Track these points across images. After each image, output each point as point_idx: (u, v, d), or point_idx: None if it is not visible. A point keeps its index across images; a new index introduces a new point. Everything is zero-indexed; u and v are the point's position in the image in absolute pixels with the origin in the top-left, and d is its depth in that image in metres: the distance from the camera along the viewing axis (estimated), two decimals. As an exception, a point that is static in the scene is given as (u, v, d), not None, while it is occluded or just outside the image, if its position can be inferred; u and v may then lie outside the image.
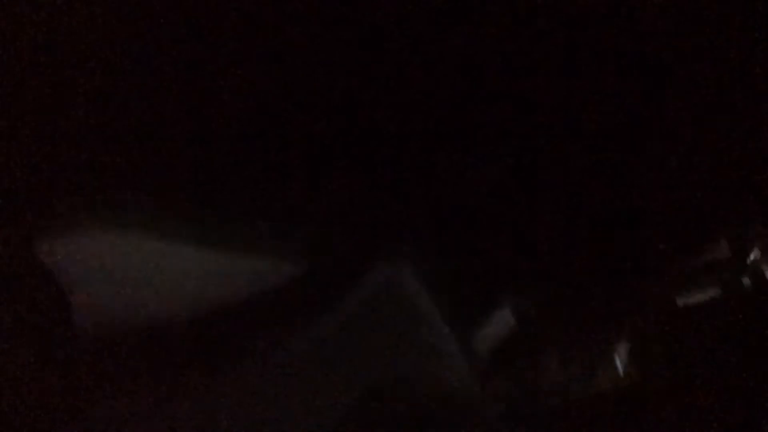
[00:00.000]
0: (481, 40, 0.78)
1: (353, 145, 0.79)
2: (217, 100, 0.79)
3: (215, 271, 0.77)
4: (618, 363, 0.74)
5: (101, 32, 0.80)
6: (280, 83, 0.79)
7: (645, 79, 0.79)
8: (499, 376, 0.77)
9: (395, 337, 0.76)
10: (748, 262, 0.75)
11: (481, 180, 0.79)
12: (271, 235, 0.78)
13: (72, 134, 0.81)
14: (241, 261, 0.77)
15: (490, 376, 0.76)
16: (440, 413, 0.76)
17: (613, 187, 0.80)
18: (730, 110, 0.78)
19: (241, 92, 0.79)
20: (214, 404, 0.75)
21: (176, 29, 0.79)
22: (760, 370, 0.73)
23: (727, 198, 0.78)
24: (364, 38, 0.78)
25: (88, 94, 0.81)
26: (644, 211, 0.79)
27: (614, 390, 0.74)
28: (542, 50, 0.80)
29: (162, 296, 0.77)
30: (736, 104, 0.78)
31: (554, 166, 0.79)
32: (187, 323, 0.76)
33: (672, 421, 0.73)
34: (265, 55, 0.79)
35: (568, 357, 0.75)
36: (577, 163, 0.79)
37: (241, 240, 0.78)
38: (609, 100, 0.79)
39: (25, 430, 0.77)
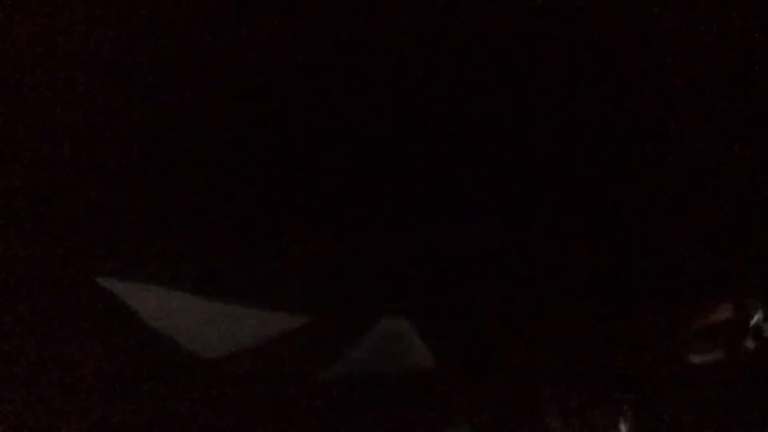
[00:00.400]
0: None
1: (353, 203, 0.78)
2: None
3: (219, 319, 0.77)
4: (622, 426, 0.75)
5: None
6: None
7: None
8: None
9: (395, 390, 0.77)
10: (751, 324, 0.75)
11: (480, 239, 0.78)
12: (275, 286, 0.78)
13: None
14: (246, 310, 0.77)
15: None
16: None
17: (615, 249, 0.78)
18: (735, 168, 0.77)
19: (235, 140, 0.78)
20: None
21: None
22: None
23: (731, 260, 0.77)
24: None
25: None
26: (647, 275, 0.78)
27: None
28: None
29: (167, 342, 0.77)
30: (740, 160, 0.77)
31: (551, 227, 0.78)
32: (190, 370, 0.77)
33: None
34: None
35: (571, 417, 0.76)
36: (572, 228, 0.78)
37: (246, 290, 0.78)
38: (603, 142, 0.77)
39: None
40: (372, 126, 0.76)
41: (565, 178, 0.77)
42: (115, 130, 0.77)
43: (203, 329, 0.76)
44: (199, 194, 0.76)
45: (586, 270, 0.77)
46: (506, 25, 0.77)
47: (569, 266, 0.77)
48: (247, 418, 0.76)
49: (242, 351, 0.76)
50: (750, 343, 0.74)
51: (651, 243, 0.77)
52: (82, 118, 0.78)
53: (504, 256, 0.77)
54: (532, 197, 0.77)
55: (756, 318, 0.74)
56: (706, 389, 0.75)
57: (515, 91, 0.77)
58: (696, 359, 0.75)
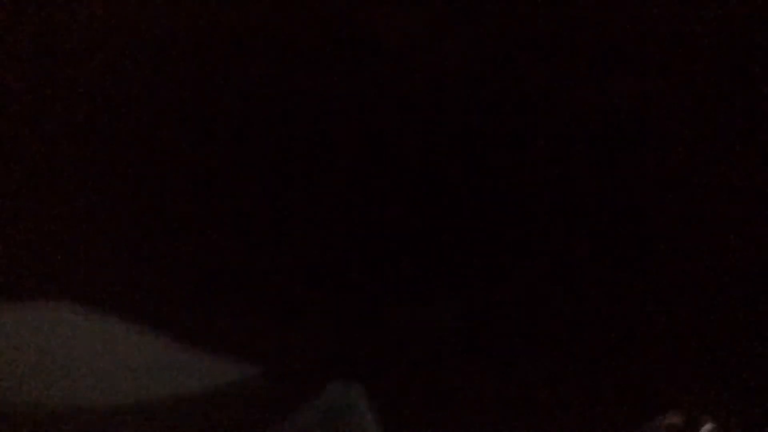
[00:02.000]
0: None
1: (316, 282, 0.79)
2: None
3: (171, 368, 0.77)
4: None
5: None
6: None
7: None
8: None
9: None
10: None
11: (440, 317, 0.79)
12: (231, 340, 0.79)
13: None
14: (200, 363, 0.78)
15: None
16: None
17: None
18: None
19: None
20: None
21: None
22: None
23: (682, 369, 0.78)
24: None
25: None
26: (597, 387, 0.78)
27: None
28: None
29: (113, 385, 0.77)
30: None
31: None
32: (137, 419, 0.77)
33: None
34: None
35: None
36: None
37: (203, 345, 0.78)
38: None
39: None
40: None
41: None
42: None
43: (153, 375, 0.76)
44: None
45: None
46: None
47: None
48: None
49: (189, 399, 0.76)
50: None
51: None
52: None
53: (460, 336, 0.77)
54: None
55: (705, 428, 0.75)
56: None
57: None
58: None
